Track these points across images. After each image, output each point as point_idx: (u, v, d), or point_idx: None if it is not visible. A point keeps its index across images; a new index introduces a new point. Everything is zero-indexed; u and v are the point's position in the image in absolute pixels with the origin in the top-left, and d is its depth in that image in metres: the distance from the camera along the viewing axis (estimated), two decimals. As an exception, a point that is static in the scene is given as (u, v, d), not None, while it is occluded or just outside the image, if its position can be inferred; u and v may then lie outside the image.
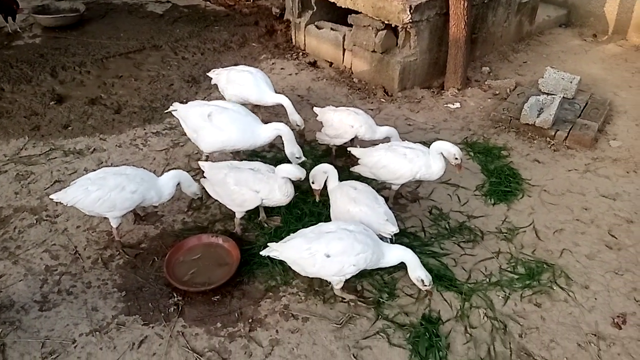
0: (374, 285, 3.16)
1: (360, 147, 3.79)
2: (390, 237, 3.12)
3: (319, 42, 5.98)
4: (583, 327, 2.95)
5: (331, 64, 5.93)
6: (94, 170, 3.40)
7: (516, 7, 6.31)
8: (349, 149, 3.78)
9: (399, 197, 3.88)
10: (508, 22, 6.33)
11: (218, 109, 3.71)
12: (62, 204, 3.17)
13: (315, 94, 5.34)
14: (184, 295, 3.07)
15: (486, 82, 5.62)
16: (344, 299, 3.03)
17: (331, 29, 5.82)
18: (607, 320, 3.00)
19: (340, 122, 3.96)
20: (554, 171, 4.27)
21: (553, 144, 4.59)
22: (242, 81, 4.23)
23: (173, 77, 5.57)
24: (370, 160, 3.55)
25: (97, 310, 2.98)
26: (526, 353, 2.80)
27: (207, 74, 4.67)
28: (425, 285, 2.89)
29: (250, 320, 2.94)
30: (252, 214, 3.57)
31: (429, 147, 3.44)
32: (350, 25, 5.53)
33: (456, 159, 3.33)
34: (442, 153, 3.38)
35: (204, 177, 3.43)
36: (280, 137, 3.67)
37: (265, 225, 3.54)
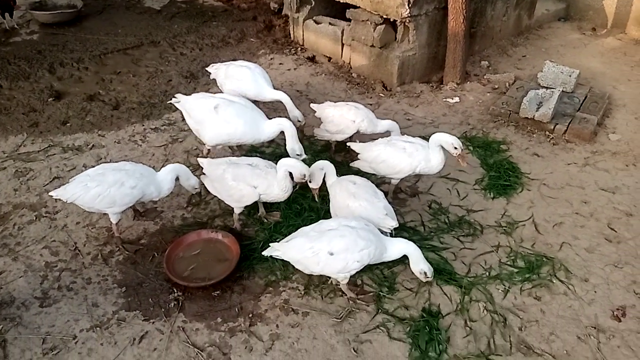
0: (373, 280, 3.17)
1: (359, 141, 3.79)
2: (390, 231, 3.12)
3: (317, 37, 5.96)
4: (583, 320, 2.96)
5: (330, 59, 5.92)
6: (93, 166, 3.39)
7: (515, 1, 6.28)
8: (348, 144, 3.78)
9: (399, 192, 3.88)
10: (507, 16, 6.31)
11: (225, 102, 3.70)
12: (62, 200, 3.17)
13: (313, 89, 5.33)
14: (184, 290, 3.08)
15: (485, 77, 5.61)
16: (345, 294, 3.04)
17: (329, 23, 5.80)
18: (606, 313, 3.01)
19: (342, 118, 3.95)
20: (553, 165, 4.27)
21: (552, 138, 4.59)
22: (240, 76, 4.22)
23: (171, 72, 5.55)
24: (369, 155, 3.55)
25: (98, 306, 2.98)
26: (526, 346, 2.81)
27: (206, 68, 4.66)
28: (428, 278, 2.96)
29: (250, 315, 2.94)
30: (251, 209, 3.58)
31: (428, 141, 3.44)
32: (349, 20, 5.51)
33: (455, 148, 3.31)
34: (441, 146, 3.37)
35: (204, 174, 3.43)
36: (281, 132, 3.66)
37: (265, 220, 3.54)
